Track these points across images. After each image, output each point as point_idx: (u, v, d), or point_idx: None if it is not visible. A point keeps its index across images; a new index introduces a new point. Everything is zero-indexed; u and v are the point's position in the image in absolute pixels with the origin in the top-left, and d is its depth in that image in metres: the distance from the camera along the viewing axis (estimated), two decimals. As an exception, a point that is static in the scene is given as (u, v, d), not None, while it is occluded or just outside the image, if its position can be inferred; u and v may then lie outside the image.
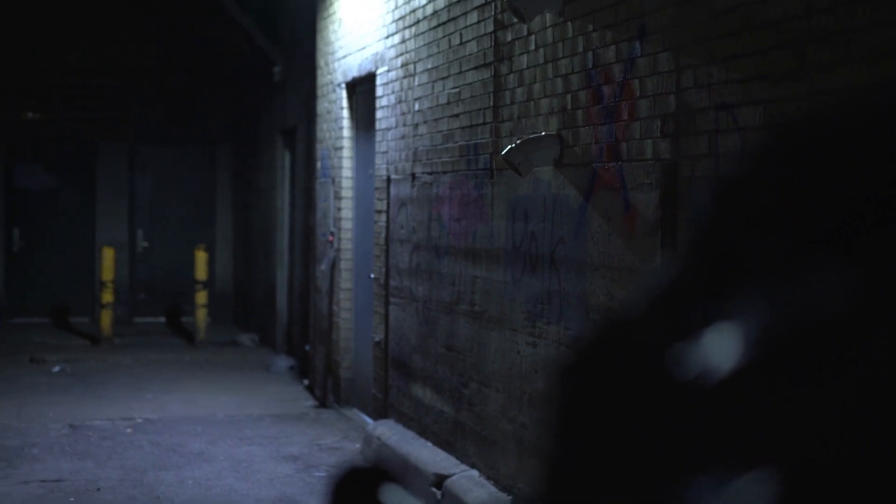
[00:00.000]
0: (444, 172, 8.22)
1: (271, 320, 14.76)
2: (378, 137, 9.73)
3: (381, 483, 1.36)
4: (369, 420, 9.85)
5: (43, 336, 15.56)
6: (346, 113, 10.97)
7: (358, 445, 9.34)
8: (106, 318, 15.11)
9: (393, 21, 9.35)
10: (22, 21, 16.73)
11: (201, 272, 15.34)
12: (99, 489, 8.08)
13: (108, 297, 15.11)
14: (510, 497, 6.87)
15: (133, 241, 17.64)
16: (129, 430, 9.97)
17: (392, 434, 8.69)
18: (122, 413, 10.67)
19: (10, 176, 17.15)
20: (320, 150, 11.85)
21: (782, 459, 0.67)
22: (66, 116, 17.22)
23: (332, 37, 11.40)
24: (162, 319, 17.19)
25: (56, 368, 13.15)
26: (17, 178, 17.21)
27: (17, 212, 17.17)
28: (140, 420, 10.39)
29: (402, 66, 9.11)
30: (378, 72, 9.71)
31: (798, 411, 0.68)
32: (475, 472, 7.43)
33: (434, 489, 7.47)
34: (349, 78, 10.69)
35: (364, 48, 10.16)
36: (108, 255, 15.28)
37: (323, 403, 11.22)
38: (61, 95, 17.18)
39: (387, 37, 9.51)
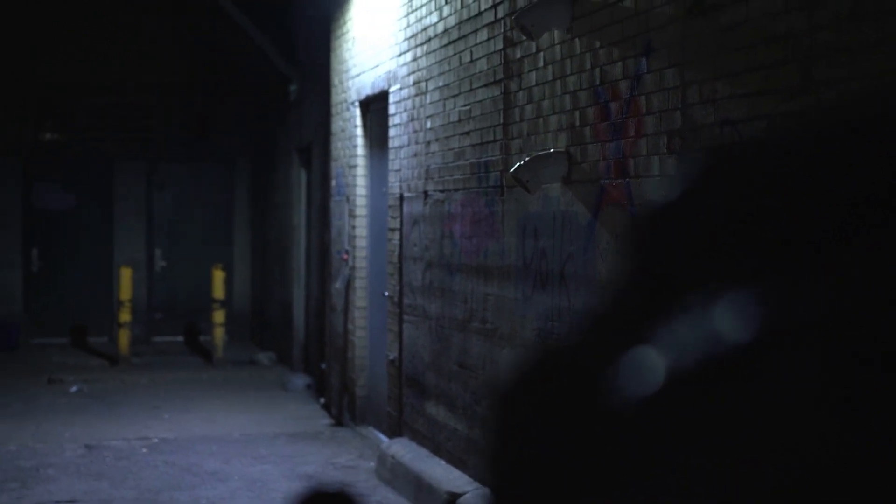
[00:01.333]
0: (456, 190, 8.22)
1: (288, 338, 14.77)
2: (391, 155, 9.74)
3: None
4: (384, 438, 9.83)
5: (61, 356, 15.61)
6: (360, 131, 10.98)
7: (373, 464, 9.32)
8: (123, 338, 15.14)
9: (405, 39, 9.36)
10: (41, 40, 16.82)
11: (218, 291, 15.37)
12: (113, 510, 8.08)
13: (125, 316, 15.15)
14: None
15: (151, 261, 17.69)
16: (144, 450, 9.97)
17: (406, 452, 8.67)
18: (138, 433, 10.67)
19: (28, 195, 17.22)
20: (335, 168, 11.87)
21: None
22: (85, 136, 17.30)
23: (346, 55, 11.42)
24: (180, 338, 17.22)
25: (74, 388, 13.17)
26: (35, 198, 17.28)
27: (36, 232, 17.24)
28: (156, 440, 10.40)
29: (414, 83, 9.12)
30: (391, 90, 9.73)
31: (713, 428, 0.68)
32: (488, 490, 7.40)
33: (447, 508, 7.45)
34: (363, 96, 10.71)
35: (377, 66, 10.17)
36: (125, 275, 15.32)
37: (339, 422, 11.21)
38: (80, 114, 17.26)
39: (399, 55, 9.52)
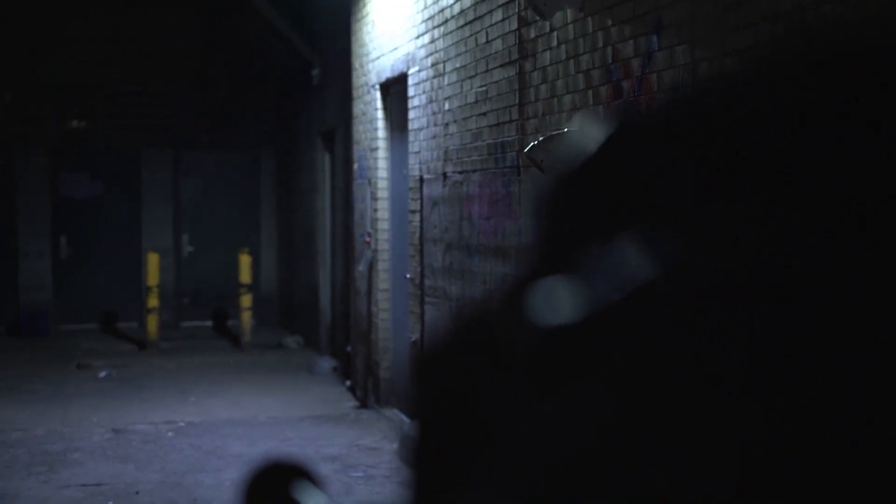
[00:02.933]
0: (474, 171, 8.24)
1: (315, 322, 14.83)
2: (411, 137, 9.76)
3: (294, 478, 1.38)
4: (408, 420, 9.87)
5: (91, 342, 15.74)
6: (380, 114, 11.01)
7: (396, 445, 9.37)
8: (152, 323, 15.25)
9: (422, 21, 9.37)
10: (66, 32, 16.92)
11: (245, 275, 15.45)
12: (138, 492, 8.17)
13: (153, 302, 15.26)
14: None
15: (178, 247, 17.80)
16: (170, 434, 10.06)
17: (428, 433, 8.70)
18: (164, 417, 10.76)
19: (56, 185, 17.35)
20: (357, 151, 11.90)
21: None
22: (111, 125, 17.41)
23: (366, 38, 11.44)
24: (209, 323, 17.33)
25: (102, 374, 13.28)
26: (63, 187, 17.41)
27: (64, 220, 17.37)
28: (182, 423, 10.48)
29: (433, 65, 9.14)
30: (410, 72, 9.75)
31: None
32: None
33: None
34: (383, 79, 10.73)
35: (396, 49, 10.19)
36: (153, 261, 15.43)
37: (364, 404, 11.27)
38: (106, 104, 17.36)
39: (417, 37, 9.54)
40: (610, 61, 6.11)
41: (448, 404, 0.89)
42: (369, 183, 11.24)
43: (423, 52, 9.38)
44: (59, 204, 17.36)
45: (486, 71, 7.98)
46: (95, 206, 17.51)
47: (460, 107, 8.50)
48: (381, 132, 11.00)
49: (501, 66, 7.71)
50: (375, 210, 11.02)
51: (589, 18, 6.37)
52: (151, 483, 8.42)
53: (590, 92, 6.36)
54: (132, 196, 17.63)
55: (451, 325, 0.99)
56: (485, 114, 8.01)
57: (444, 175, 8.86)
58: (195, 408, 11.24)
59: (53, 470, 8.78)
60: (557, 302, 0.78)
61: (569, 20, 6.62)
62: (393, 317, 10.81)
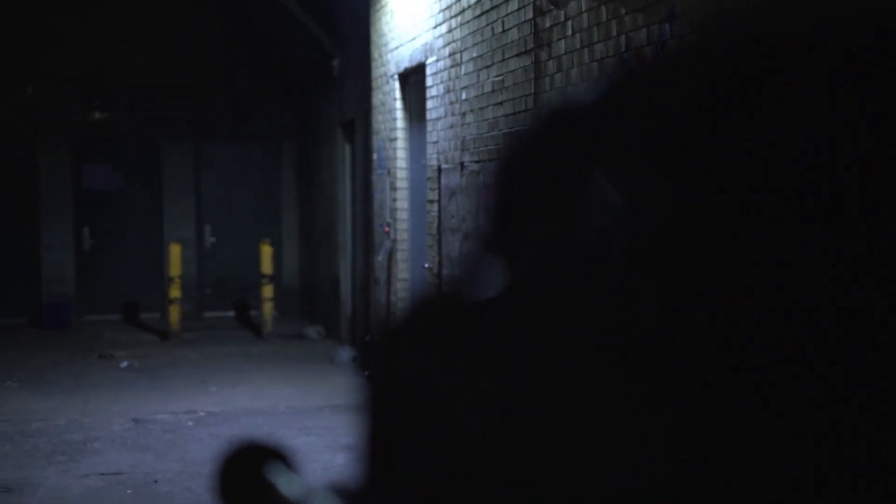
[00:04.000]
0: (491, 160, 8.24)
1: (336, 312, 14.87)
2: (429, 127, 9.77)
3: (269, 460, 1.39)
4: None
5: (113, 332, 15.82)
6: (399, 104, 11.02)
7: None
8: (174, 314, 15.32)
9: (440, 10, 9.38)
10: (88, 23, 16.99)
11: (267, 266, 15.50)
12: (157, 482, 8.21)
13: (175, 292, 15.32)
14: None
15: (200, 237, 17.86)
16: (190, 423, 10.10)
17: (446, 422, 8.72)
18: (185, 406, 10.81)
19: (79, 176, 17.43)
20: (376, 141, 11.92)
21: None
22: (133, 116, 17.48)
23: (385, 28, 11.45)
24: (231, 314, 17.39)
25: (124, 364, 13.35)
26: (85, 179, 17.49)
27: (87, 212, 17.45)
28: (202, 413, 10.53)
29: (450, 55, 9.14)
30: (428, 62, 9.75)
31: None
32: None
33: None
34: (401, 69, 10.74)
35: (414, 38, 10.20)
36: (175, 252, 15.49)
37: (383, 394, 11.28)
38: (127, 96, 17.43)
39: (435, 27, 9.54)
40: (623, 50, 6.10)
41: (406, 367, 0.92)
42: (388, 173, 11.25)
43: (440, 42, 9.38)
44: (82, 196, 17.44)
45: (503, 60, 7.98)
46: (118, 198, 17.59)
47: (477, 96, 8.50)
48: (400, 122, 11.01)
49: (517, 55, 7.70)
50: (394, 200, 11.04)
51: (603, 7, 6.36)
52: (170, 472, 8.46)
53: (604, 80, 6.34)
54: (154, 187, 17.70)
55: (422, 298, 1.02)
56: (501, 103, 8.01)
57: (462, 165, 8.87)
58: (216, 397, 11.29)
59: (73, 459, 8.84)
60: (486, 275, 0.81)
61: (583, 9, 6.61)
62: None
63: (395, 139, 11.05)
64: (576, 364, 0.68)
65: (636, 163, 0.72)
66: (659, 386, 0.63)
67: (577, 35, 6.70)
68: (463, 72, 8.81)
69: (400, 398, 0.90)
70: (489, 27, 8.21)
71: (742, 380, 0.61)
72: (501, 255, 0.84)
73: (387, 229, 11.23)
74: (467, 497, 0.74)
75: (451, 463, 0.78)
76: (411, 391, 0.86)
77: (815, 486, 0.59)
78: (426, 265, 9.93)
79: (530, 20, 7.43)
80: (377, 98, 11.91)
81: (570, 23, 6.81)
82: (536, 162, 0.83)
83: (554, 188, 0.79)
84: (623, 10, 6.11)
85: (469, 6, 8.62)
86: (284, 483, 1.44)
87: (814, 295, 0.60)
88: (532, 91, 7.43)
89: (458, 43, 8.90)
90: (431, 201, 9.71)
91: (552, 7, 6.89)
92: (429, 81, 9.71)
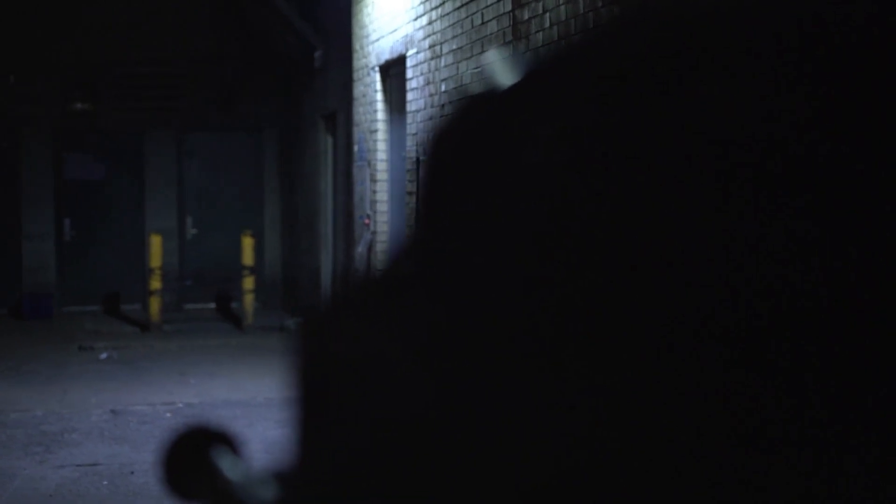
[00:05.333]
0: (469, 153, 8.23)
1: (317, 304, 14.84)
2: (408, 119, 9.76)
3: (214, 445, 1.38)
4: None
5: (94, 324, 15.78)
6: (380, 96, 11.01)
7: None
8: (155, 305, 15.28)
9: (420, 2, 9.36)
10: (71, 13, 16.93)
11: (248, 258, 15.47)
12: (133, 472, 8.20)
13: (156, 283, 15.28)
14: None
15: (182, 229, 17.82)
16: (168, 415, 10.08)
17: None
18: (164, 398, 10.79)
19: (60, 166, 17.38)
20: (357, 133, 11.90)
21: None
22: (116, 106, 17.43)
23: (367, 20, 11.43)
24: (212, 305, 17.36)
25: (103, 355, 13.32)
26: (67, 169, 17.44)
27: (68, 202, 17.40)
28: (181, 405, 10.51)
29: (430, 47, 9.13)
30: (408, 54, 9.74)
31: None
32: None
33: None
34: (382, 61, 10.73)
35: (395, 30, 10.19)
36: (155, 243, 15.45)
37: (363, 386, 11.29)
38: (109, 85, 17.38)
39: (415, 18, 9.53)
40: (584, 40, 6.09)
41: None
42: (369, 165, 11.24)
43: (420, 34, 9.37)
44: (63, 186, 17.39)
45: (482, 52, 7.97)
46: (99, 188, 17.54)
47: (456, 88, 8.49)
48: (381, 114, 10.99)
49: (496, 47, 7.70)
50: (374, 192, 11.03)
51: (580, 0, 6.36)
52: (147, 463, 8.44)
53: (581, 73, 6.35)
54: (136, 178, 17.65)
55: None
56: (480, 95, 8.00)
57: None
58: (194, 389, 11.27)
59: (50, 450, 8.81)
60: (410, 255, 0.82)
61: (561, 2, 6.61)
62: (391, 299, 10.82)
63: (375, 131, 11.04)
64: (489, 344, 0.69)
65: (554, 146, 0.72)
66: (566, 365, 0.64)
67: (555, 27, 6.70)
68: (442, 63, 8.80)
69: (326, 380, 0.90)
70: (469, 19, 8.20)
71: (653, 365, 0.61)
72: (424, 238, 0.84)
73: (367, 221, 11.22)
74: (390, 478, 0.75)
75: (372, 444, 0.79)
76: (337, 372, 0.87)
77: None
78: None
79: (509, 12, 7.43)
80: (358, 90, 11.89)
81: (547, 15, 6.81)
82: (460, 148, 0.84)
83: (476, 171, 0.80)
84: (600, 2, 6.10)
85: (449, -2, 8.62)
86: (228, 467, 1.44)
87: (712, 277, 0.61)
88: (510, 83, 7.42)
89: (438, 35, 8.89)
90: (410, 193, 9.71)
91: (530, -1, 6.89)
92: (409, 73, 9.71)
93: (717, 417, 0.57)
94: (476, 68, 8.04)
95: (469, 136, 0.85)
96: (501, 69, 0.88)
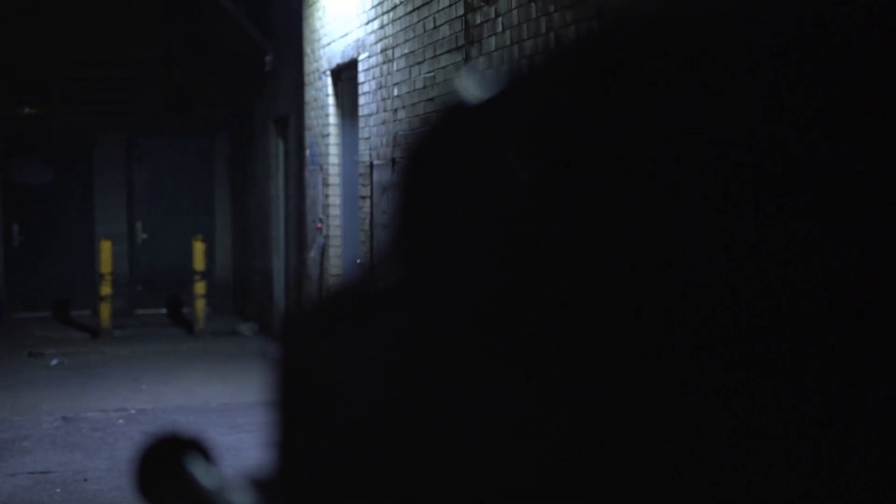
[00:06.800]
0: (422, 157, 8.24)
1: (269, 309, 14.81)
2: (361, 123, 9.77)
3: (188, 452, 1.39)
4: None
5: (43, 330, 15.64)
6: (331, 100, 11.00)
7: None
8: (105, 311, 15.17)
9: (372, 6, 9.37)
10: (19, 15, 16.78)
11: (199, 262, 15.40)
12: (86, 480, 8.14)
13: (106, 289, 15.18)
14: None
15: (132, 233, 17.71)
16: (121, 421, 10.02)
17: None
18: (116, 404, 10.72)
19: (8, 171, 17.22)
20: (309, 137, 11.89)
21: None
22: (64, 110, 17.28)
23: (318, 24, 11.42)
24: (163, 311, 17.25)
25: (54, 361, 13.21)
26: (15, 173, 17.27)
27: (16, 207, 17.24)
28: (133, 411, 10.44)
29: (382, 51, 9.14)
30: (360, 58, 9.74)
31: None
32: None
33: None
34: (334, 65, 10.72)
35: (346, 34, 10.19)
36: (105, 248, 15.34)
37: (316, 390, 11.27)
38: (59, 89, 17.24)
39: (367, 22, 9.53)
40: (553, 47, 6.12)
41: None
42: (321, 169, 11.23)
43: (372, 38, 9.38)
44: (11, 191, 17.23)
45: (434, 56, 7.99)
46: (48, 193, 17.39)
47: (409, 92, 8.50)
48: (333, 118, 10.99)
49: (448, 51, 7.72)
50: (327, 196, 11.02)
51: (532, 4, 6.39)
52: (100, 470, 8.39)
53: (534, 77, 6.37)
54: (85, 182, 17.52)
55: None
56: (432, 99, 8.02)
57: (393, 160, 8.87)
58: (147, 395, 11.20)
59: (1, 458, 8.73)
60: (386, 263, 0.84)
61: (513, 6, 6.64)
62: (345, 303, 10.81)
63: (327, 135, 11.03)
64: (462, 346, 0.70)
65: (526, 154, 0.74)
66: (534, 361, 0.65)
67: (508, 32, 6.73)
68: (395, 68, 8.81)
69: (304, 384, 0.91)
70: (421, 23, 8.22)
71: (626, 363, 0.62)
72: (401, 243, 0.85)
73: (319, 225, 11.20)
74: (368, 482, 0.76)
75: (349, 447, 0.80)
76: (314, 376, 0.88)
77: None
78: (359, 261, 9.92)
79: (461, 16, 7.45)
80: (310, 94, 11.88)
81: (500, 19, 6.83)
82: (435, 156, 0.85)
83: (450, 179, 0.81)
84: (552, 7, 6.14)
85: (401, 2, 8.63)
86: (202, 474, 1.44)
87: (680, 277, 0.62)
88: (463, 87, 7.44)
89: (390, 39, 8.90)
90: (364, 197, 9.71)
91: (483, 4, 6.91)
92: (361, 77, 9.71)
93: (718, 417, 0.58)
94: (429, 72, 8.06)
95: (445, 146, 0.86)
96: (475, 81, 0.89)
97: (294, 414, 0.93)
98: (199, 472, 1.39)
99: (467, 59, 7.36)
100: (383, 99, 9.11)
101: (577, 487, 0.65)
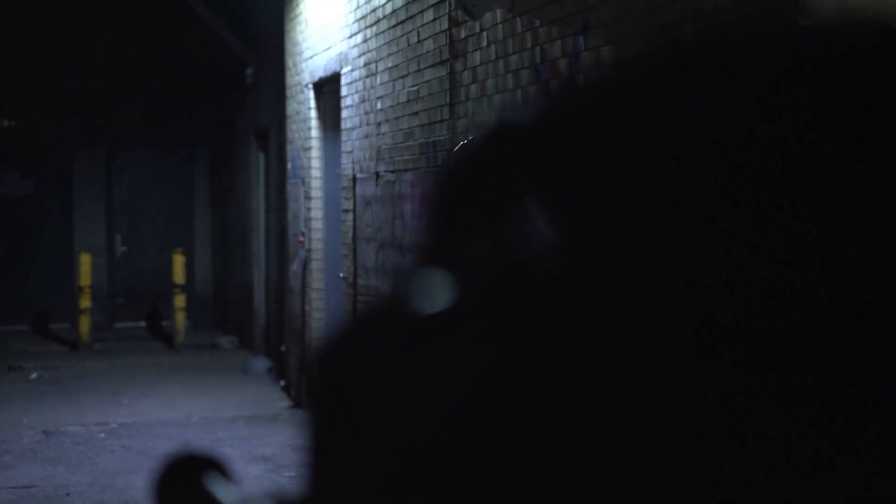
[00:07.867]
0: (406, 170, 8.25)
1: (249, 322, 14.78)
2: (344, 137, 9.77)
3: (206, 471, 1.39)
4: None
5: (22, 343, 15.57)
6: (314, 113, 11.00)
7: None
8: (84, 324, 15.12)
9: (355, 21, 9.38)
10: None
11: (179, 276, 15.37)
12: (69, 494, 8.11)
13: (85, 302, 15.13)
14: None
15: (112, 246, 17.65)
16: (102, 435, 9.98)
17: (361, 432, 8.71)
18: (96, 418, 10.68)
19: (-13, 184, 17.15)
20: (290, 150, 11.88)
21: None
22: (43, 122, 17.22)
23: (300, 37, 11.42)
24: (142, 324, 17.18)
25: (34, 375, 13.16)
26: (-6, 186, 17.21)
27: (-5, 219, 17.17)
28: (114, 425, 10.41)
29: (365, 65, 9.14)
30: (343, 71, 9.75)
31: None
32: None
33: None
34: (316, 78, 10.72)
35: (329, 48, 10.19)
36: (85, 261, 15.29)
37: (298, 403, 11.25)
38: (38, 101, 17.18)
39: (350, 36, 9.54)
40: (538, 61, 6.15)
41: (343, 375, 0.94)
42: (303, 182, 11.22)
43: (355, 52, 9.38)
44: (-10, 203, 17.16)
45: (418, 70, 8.00)
46: (27, 205, 17.32)
47: (392, 106, 8.51)
48: (315, 132, 10.98)
49: (432, 65, 7.73)
50: (309, 209, 11.01)
51: (518, 19, 6.41)
52: (82, 484, 8.36)
53: (518, 91, 6.40)
54: (64, 195, 17.46)
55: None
56: (416, 113, 8.02)
57: (377, 174, 8.87)
58: (127, 409, 11.17)
59: (-18, 472, 8.70)
60: (423, 288, 0.83)
61: (498, 20, 6.66)
62: (327, 316, 10.80)
63: (309, 148, 11.02)
64: (510, 383, 0.70)
65: (557, 181, 0.74)
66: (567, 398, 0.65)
67: (493, 46, 6.74)
68: (378, 81, 8.81)
69: (340, 408, 0.91)
70: (405, 37, 8.23)
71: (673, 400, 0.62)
72: (435, 267, 0.85)
73: (301, 239, 11.19)
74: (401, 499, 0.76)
75: (385, 474, 0.80)
76: (351, 401, 0.87)
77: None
78: (341, 275, 9.91)
79: (446, 31, 7.46)
80: (292, 107, 11.88)
81: (485, 34, 6.85)
82: (466, 178, 0.85)
83: (484, 205, 0.81)
84: (538, 22, 6.16)
85: (384, 16, 8.63)
86: (223, 493, 1.44)
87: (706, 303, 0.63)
88: (447, 101, 7.46)
89: (374, 53, 8.91)
90: (346, 211, 9.71)
91: (468, 18, 6.93)
92: (343, 91, 9.71)
93: (718, 417, 0.59)
94: (413, 86, 8.06)
95: (474, 174, 0.86)
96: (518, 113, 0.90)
97: (325, 436, 0.93)
98: (220, 490, 1.39)
99: (452, 73, 7.37)
100: (366, 112, 9.12)
101: (577, 487, 0.65)
